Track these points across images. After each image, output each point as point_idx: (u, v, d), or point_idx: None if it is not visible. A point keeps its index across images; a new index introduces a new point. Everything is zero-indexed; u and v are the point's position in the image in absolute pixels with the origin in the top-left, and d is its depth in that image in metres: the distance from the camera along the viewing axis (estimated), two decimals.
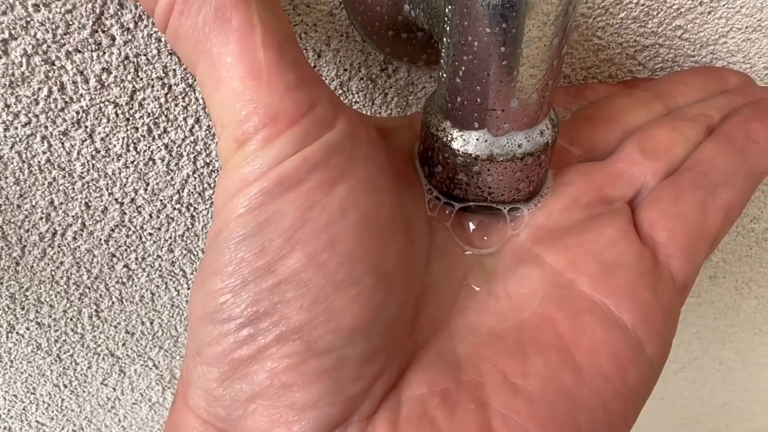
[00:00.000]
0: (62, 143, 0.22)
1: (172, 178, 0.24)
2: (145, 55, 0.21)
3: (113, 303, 0.29)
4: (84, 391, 0.34)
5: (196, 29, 0.15)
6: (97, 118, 0.22)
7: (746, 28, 0.25)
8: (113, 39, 0.20)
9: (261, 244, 0.15)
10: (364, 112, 0.25)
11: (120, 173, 0.24)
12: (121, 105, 0.22)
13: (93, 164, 0.23)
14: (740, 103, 0.23)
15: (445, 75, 0.18)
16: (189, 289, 0.29)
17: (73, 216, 0.25)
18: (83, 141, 0.23)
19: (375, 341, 0.16)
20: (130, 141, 0.23)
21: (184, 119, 0.23)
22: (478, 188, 0.19)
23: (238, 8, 0.15)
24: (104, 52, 0.21)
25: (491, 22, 0.16)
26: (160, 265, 0.28)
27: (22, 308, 0.28)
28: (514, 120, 0.18)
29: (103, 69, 0.21)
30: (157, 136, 0.23)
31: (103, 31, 0.20)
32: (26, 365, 0.31)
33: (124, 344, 0.31)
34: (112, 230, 0.26)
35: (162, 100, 0.22)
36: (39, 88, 0.21)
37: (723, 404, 0.50)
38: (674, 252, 0.19)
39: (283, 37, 0.15)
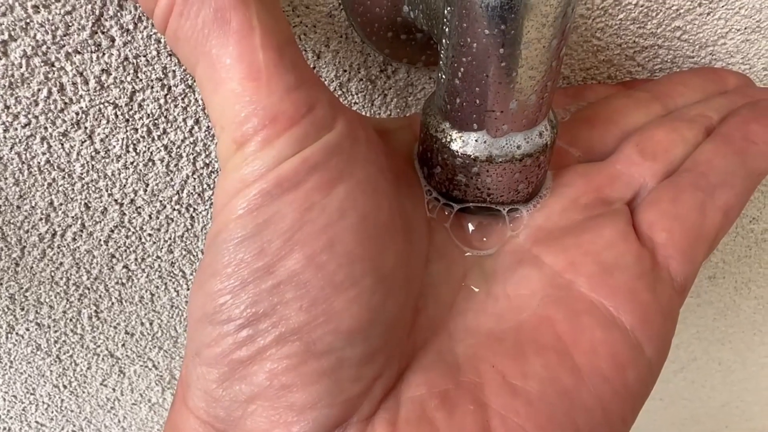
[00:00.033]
0: (62, 144, 0.22)
1: (171, 179, 0.24)
2: (144, 56, 0.21)
3: (113, 304, 0.29)
4: (84, 392, 0.34)
5: (195, 31, 0.15)
6: (96, 119, 0.22)
7: (745, 29, 0.25)
8: (113, 40, 0.20)
9: (260, 245, 0.15)
10: (364, 113, 0.25)
11: (119, 174, 0.24)
12: (121, 106, 0.22)
13: (92, 165, 0.23)
14: (739, 104, 0.23)
15: (444, 76, 0.18)
16: (188, 289, 0.29)
17: (72, 217, 0.25)
18: (83, 142, 0.23)
19: (374, 342, 0.16)
20: (130, 142, 0.23)
21: (184, 120, 0.23)
22: (477, 189, 0.19)
23: (238, 10, 0.15)
24: (104, 54, 0.21)
25: (490, 24, 0.16)
26: (159, 265, 0.28)
27: (22, 309, 0.28)
28: (513, 121, 0.18)
29: (103, 70, 0.21)
30: (156, 137, 0.23)
31: (103, 33, 0.20)
32: (26, 366, 0.31)
33: (123, 345, 0.31)
34: (112, 231, 0.26)
35: (161, 101, 0.22)
36: (39, 89, 0.21)
37: (722, 405, 0.50)
38: (673, 253, 0.19)
39: (282, 38, 0.15)
